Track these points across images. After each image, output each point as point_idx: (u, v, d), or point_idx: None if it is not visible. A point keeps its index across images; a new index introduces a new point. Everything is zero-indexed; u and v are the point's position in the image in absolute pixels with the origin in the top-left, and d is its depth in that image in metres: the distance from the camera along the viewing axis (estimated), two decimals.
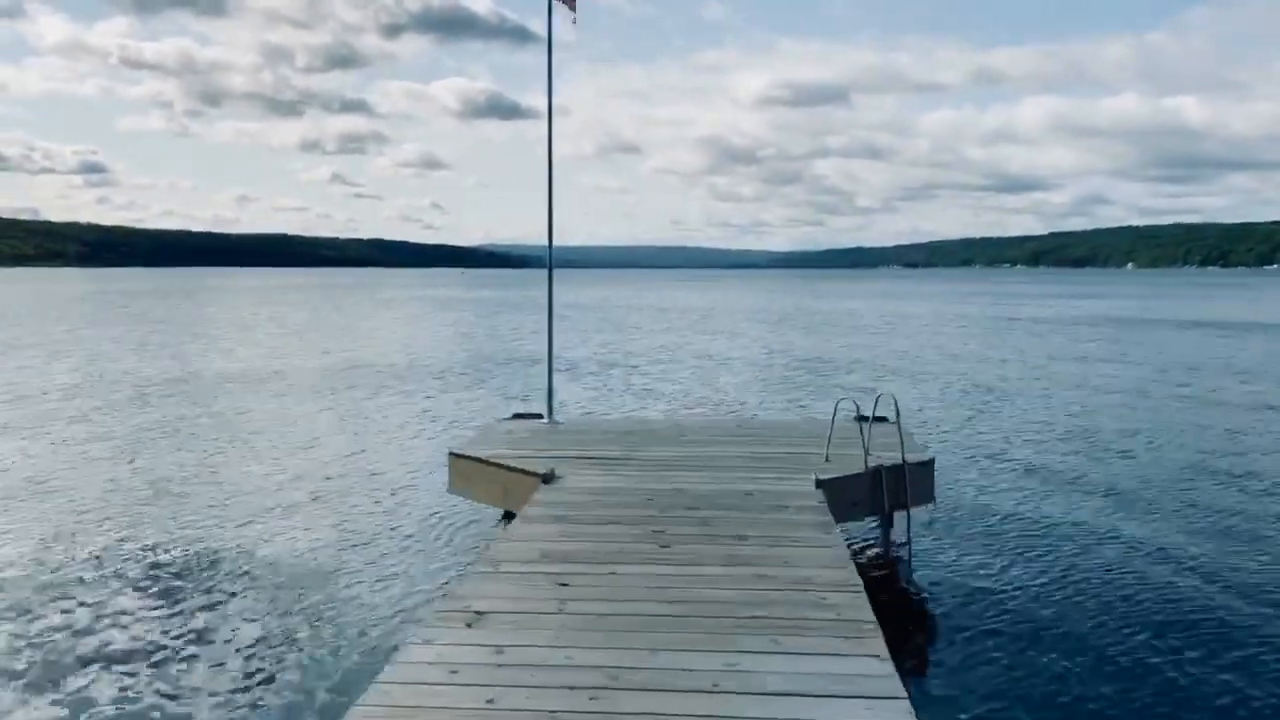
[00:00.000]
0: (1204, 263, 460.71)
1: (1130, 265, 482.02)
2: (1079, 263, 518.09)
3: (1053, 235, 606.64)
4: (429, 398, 22.53)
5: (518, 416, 12.69)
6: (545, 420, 12.03)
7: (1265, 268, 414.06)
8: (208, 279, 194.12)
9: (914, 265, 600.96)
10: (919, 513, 9.82)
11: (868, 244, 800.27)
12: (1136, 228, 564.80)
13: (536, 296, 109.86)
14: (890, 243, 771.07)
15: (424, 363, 31.43)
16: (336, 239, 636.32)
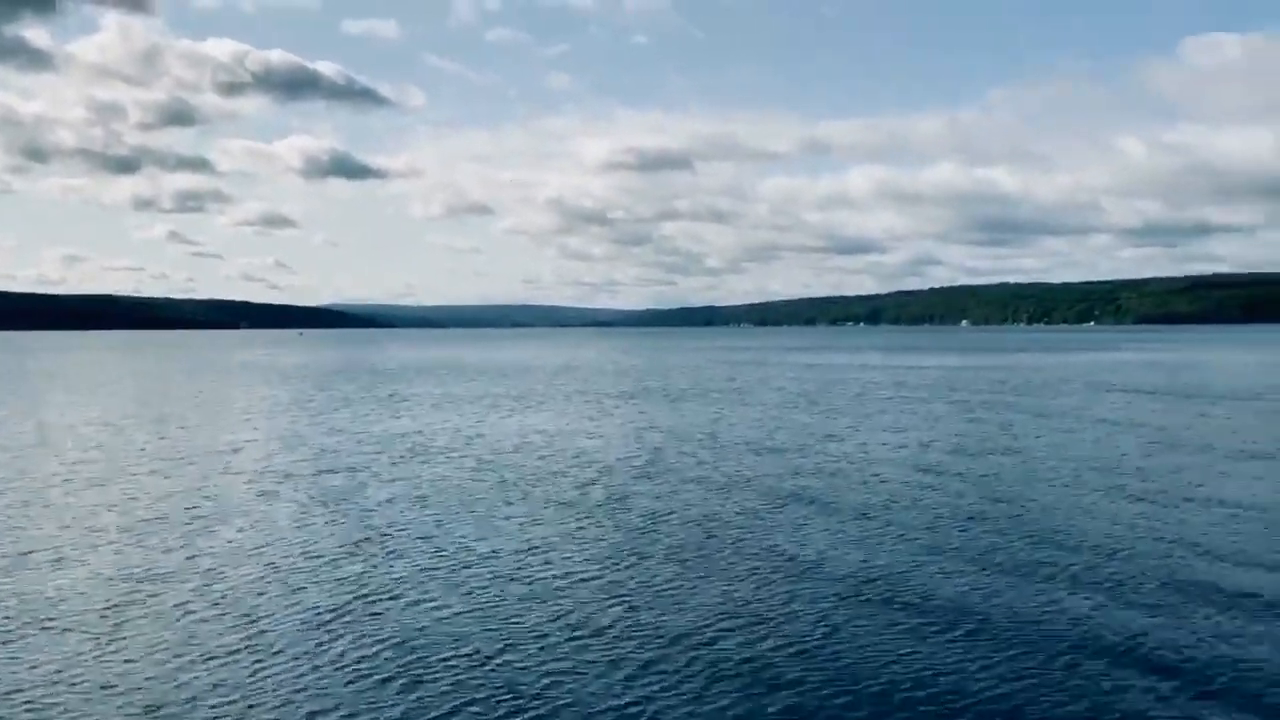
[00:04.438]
0: (1031, 320, 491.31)
1: (965, 322, 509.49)
2: (916, 320, 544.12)
3: (891, 295, 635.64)
4: None
5: None
6: None
7: (1083, 324, 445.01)
8: None
9: (763, 323, 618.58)
10: None
11: (718, 303, 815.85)
12: (968, 287, 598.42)
13: (354, 357, 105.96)
14: (739, 301, 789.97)
15: None
16: (172, 299, 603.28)
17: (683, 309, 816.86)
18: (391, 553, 14.71)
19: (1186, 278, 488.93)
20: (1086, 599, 12.13)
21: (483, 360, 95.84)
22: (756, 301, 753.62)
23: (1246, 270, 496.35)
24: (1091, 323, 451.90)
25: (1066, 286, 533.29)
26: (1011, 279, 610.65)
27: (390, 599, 12.30)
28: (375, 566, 13.90)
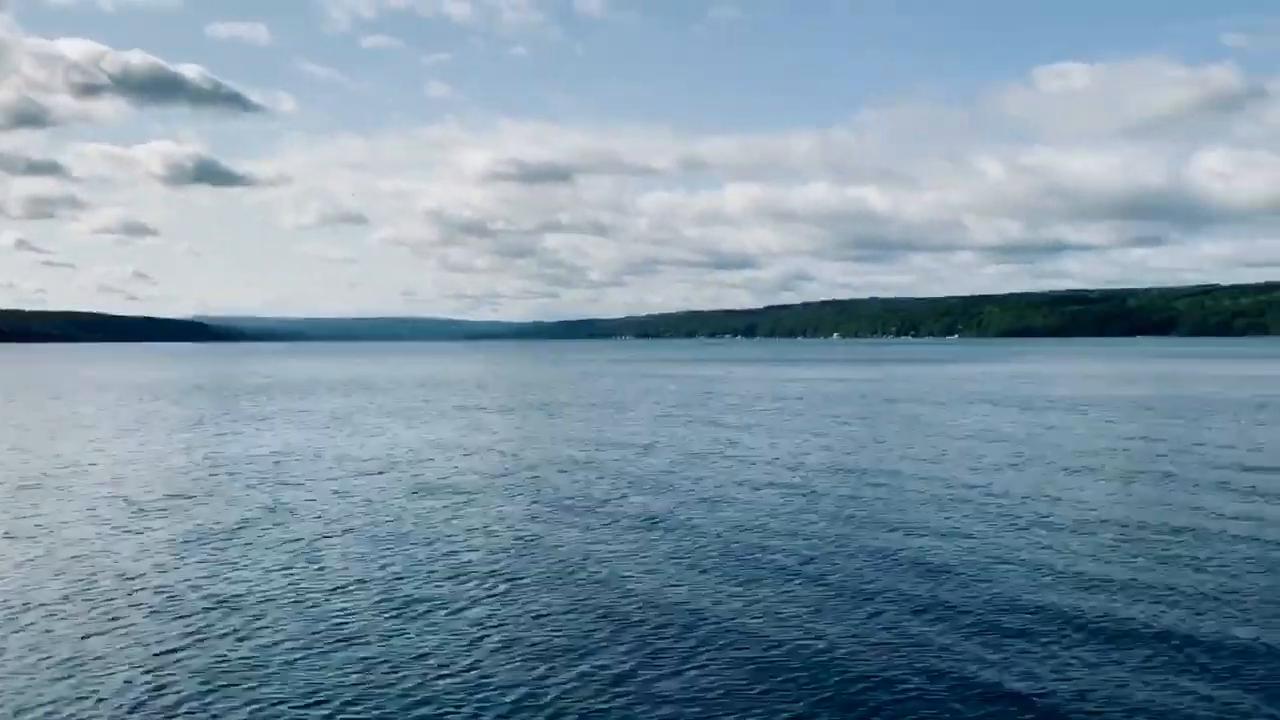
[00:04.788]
0: (899, 333, 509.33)
1: (836, 335, 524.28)
2: (791, 333, 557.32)
3: (768, 309, 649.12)
4: None
5: None
6: None
7: (948, 337, 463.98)
8: None
9: (644, 336, 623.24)
10: None
11: (600, 315, 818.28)
12: (840, 301, 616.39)
13: (216, 372, 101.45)
14: (621, 314, 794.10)
15: None
16: (20, 311, 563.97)
17: (565, 321, 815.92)
18: (228, 582, 13.65)
19: (1043, 294, 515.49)
20: (933, 623, 12.14)
21: (357, 374, 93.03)
22: (638, 314, 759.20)
23: (1097, 287, 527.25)
24: (956, 336, 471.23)
25: (932, 301, 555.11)
26: (881, 294, 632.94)
27: (221, 635, 11.32)
28: (207, 595, 12.84)
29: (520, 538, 16.60)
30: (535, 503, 20.09)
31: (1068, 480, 22.56)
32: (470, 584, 13.60)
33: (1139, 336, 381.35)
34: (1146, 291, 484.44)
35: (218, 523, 18.05)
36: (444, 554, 15.43)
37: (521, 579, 13.86)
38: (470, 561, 14.92)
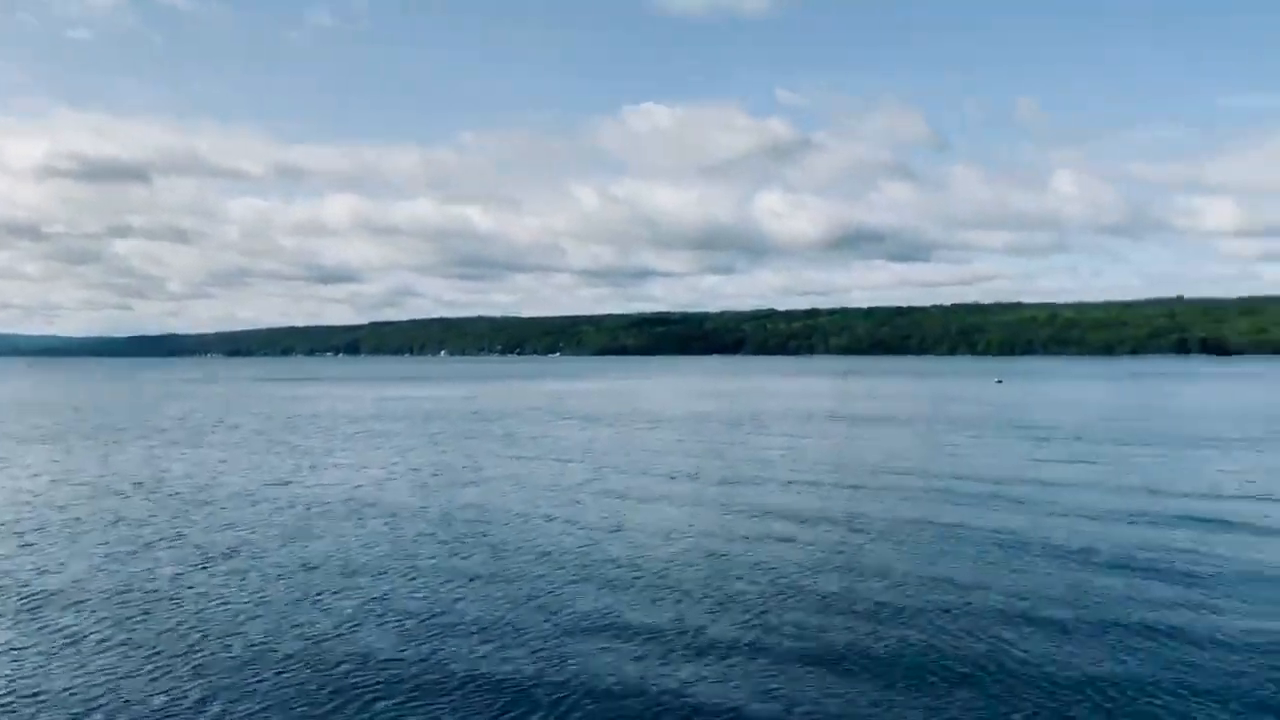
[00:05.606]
0: (505, 350, 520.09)
1: (443, 352, 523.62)
2: (397, 350, 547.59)
3: (371, 325, 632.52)
4: None
5: None
6: None
7: (550, 355, 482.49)
8: None
9: (235, 353, 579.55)
10: None
11: (182, 330, 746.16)
12: (446, 319, 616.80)
13: None
14: (208, 329, 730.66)
15: None
16: None
17: (140, 337, 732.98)
18: None
19: (633, 315, 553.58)
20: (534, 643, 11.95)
21: None
22: (227, 330, 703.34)
23: (678, 309, 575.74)
24: (558, 353, 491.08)
25: (535, 320, 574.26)
26: (487, 312, 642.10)
27: None
28: None
29: (53, 591, 13.93)
30: (64, 550, 17.10)
31: (634, 502, 23.73)
32: None
33: (713, 355, 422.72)
34: (720, 315, 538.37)
35: None
36: None
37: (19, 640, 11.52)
38: None
